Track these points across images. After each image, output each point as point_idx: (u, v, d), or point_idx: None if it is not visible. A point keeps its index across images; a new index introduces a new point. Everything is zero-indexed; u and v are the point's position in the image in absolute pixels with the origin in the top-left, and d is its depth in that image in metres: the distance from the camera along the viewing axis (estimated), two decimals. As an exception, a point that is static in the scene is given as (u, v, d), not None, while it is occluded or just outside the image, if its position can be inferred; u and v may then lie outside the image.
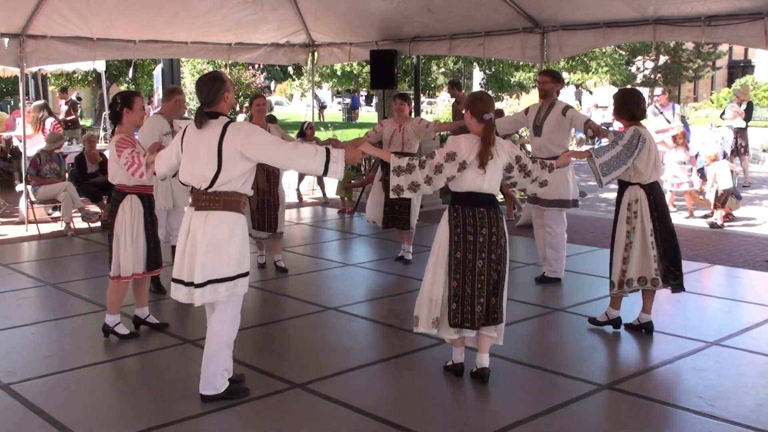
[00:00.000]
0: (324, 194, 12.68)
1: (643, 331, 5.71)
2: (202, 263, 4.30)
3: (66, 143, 12.09)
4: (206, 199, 4.36)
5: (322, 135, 17.86)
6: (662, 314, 6.56)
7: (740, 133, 14.35)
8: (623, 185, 5.65)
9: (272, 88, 43.70)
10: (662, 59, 38.22)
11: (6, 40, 9.80)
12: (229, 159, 4.28)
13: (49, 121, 12.65)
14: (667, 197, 11.09)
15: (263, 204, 7.37)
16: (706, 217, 11.15)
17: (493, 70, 24.30)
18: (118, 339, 5.71)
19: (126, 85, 32.76)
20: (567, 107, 7.02)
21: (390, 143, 7.63)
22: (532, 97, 26.55)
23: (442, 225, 4.81)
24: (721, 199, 10.66)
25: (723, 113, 15.26)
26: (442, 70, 26.13)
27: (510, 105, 23.37)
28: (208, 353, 4.48)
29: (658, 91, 12.31)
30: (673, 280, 5.57)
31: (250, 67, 23.63)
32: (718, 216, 10.60)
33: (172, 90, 7.23)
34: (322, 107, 38.64)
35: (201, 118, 4.37)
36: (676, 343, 5.56)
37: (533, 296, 6.91)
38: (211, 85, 4.42)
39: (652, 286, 5.56)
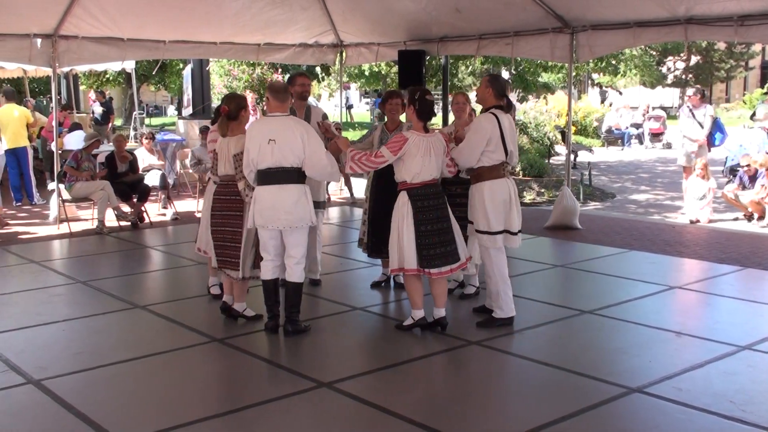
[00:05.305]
0: (351, 194, 12.70)
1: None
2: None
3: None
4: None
5: (349, 134, 17.87)
6: (693, 317, 6.50)
7: None
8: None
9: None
10: (694, 59, 37.79)
11: (39, 40, 9.95)
12: None
13: None
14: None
15: None
16: (737, 219, 11.04)
17: (519, 69, 24.11)
18: (150, 337, 5.78)
19: (155, 86, 33.11)
20: (325, 115, 7.11)
21: None
22: (558, 97, 26.32)
23: None
24: None
25: (753, 114, 15.01)
26: (470, 69, 26.00)
27: (536, 105, 23.14)
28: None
29: (690, 91, 12.05)
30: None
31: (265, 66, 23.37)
32: None
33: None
34: (349, 107, 38.69)
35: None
36: (706, 346, 5.49)
37: (561, 298, 6.88)
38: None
39: None
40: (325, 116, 7.07)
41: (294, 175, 5.57)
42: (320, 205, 7.11)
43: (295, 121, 5.72)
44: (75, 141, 12.77)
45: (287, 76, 23.52)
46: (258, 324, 5.96)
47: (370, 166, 5.69)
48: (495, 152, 5.68)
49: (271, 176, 5.54)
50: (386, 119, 6.82)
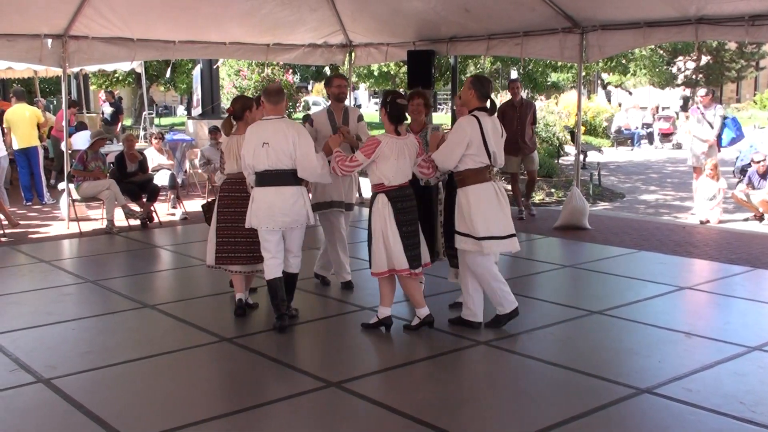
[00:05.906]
0: (360, 194, 12.70)
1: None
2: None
3: (107, 142, 12.25)
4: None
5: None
6: (702, 318, 6.47)
7: None
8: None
9: (309, 87, 43.91)
10: (704, 59, 37.60)
11: (49, 41, 9.99)
12: None
13: None
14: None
15: None
16: (747, 220, 10.99)
17: (528, 68, 24.06)
18: (159, 336, 5.81)
19: (164, 86, 33.19)
20: (361, 116, 7.11)
21: None
22: (568, 98, 26.26)
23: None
24: None
25: None
26: (479, 69, 25.94)
27: (547, 105, 23.08)
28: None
29: (702, 92, 12.00)
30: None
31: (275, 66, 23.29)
32: None
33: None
34: (357, 107, 38.80)
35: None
36: (716, 347, 5.47)
37: (570, 299, 6.85)
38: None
39: None
40: (360, 117, 7.07)
41: (291, 177, 5.74)
42: (349, 207, 7.07)
43: (288, 124, 5.82)
44: (82, 141, 12.83)
45: (297, 76, 23.58)
46: (267, 324, 5.98)
47: (347, 170, 5.74)
48: (477, 155, 5.65)
49: (268, 178, 5.69)
50: (410, 120, 6.66)
